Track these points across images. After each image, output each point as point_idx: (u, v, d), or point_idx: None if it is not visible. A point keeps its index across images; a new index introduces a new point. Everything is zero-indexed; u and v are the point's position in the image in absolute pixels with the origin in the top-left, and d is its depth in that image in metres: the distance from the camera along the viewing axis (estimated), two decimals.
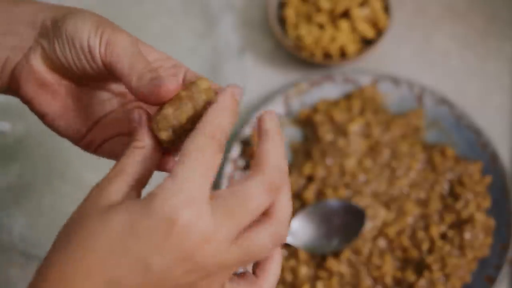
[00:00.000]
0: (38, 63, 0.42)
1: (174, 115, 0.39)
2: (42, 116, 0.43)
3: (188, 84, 0.40)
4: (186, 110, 0.39)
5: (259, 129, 0.38)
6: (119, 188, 0.36)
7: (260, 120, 0.38)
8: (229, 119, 0.37)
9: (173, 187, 0.34)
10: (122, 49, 0.40)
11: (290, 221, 0.38)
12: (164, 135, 0.39)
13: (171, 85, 0.38)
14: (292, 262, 0.66)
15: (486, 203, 0.67)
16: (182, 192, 0.34)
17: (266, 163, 0.36)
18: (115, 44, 0.40)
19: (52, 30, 0.41)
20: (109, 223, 0.34)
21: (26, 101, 0.43)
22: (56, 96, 0.43)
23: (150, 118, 0.40)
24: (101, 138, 0.44)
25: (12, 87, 0.43)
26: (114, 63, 0.40)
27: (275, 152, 0.37)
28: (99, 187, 0.37)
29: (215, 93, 0.40)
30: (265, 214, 0.36)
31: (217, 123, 0.36)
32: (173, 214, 0.33)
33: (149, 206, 0.34)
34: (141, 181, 0.38)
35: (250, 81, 0.76)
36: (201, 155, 0.35)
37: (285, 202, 0.37)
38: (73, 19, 0.41)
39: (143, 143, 0.38)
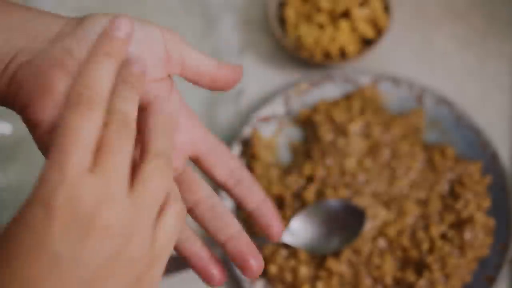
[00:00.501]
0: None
1: None
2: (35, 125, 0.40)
3: None
4: None
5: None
6: None
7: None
8: None
9: None
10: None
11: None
12: None
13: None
14: (292, 262, 0.66)
15: (486, 203, 0.67)
16: None
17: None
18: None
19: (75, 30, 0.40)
20: None
21: (23, 106, 0.39)
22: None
23: None
24: None
25: (11, 90, 0.39)
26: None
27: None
28: None
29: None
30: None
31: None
32: None
33: None
34: None
35: (250, 81, 0.76)
36: None
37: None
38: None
39: None
